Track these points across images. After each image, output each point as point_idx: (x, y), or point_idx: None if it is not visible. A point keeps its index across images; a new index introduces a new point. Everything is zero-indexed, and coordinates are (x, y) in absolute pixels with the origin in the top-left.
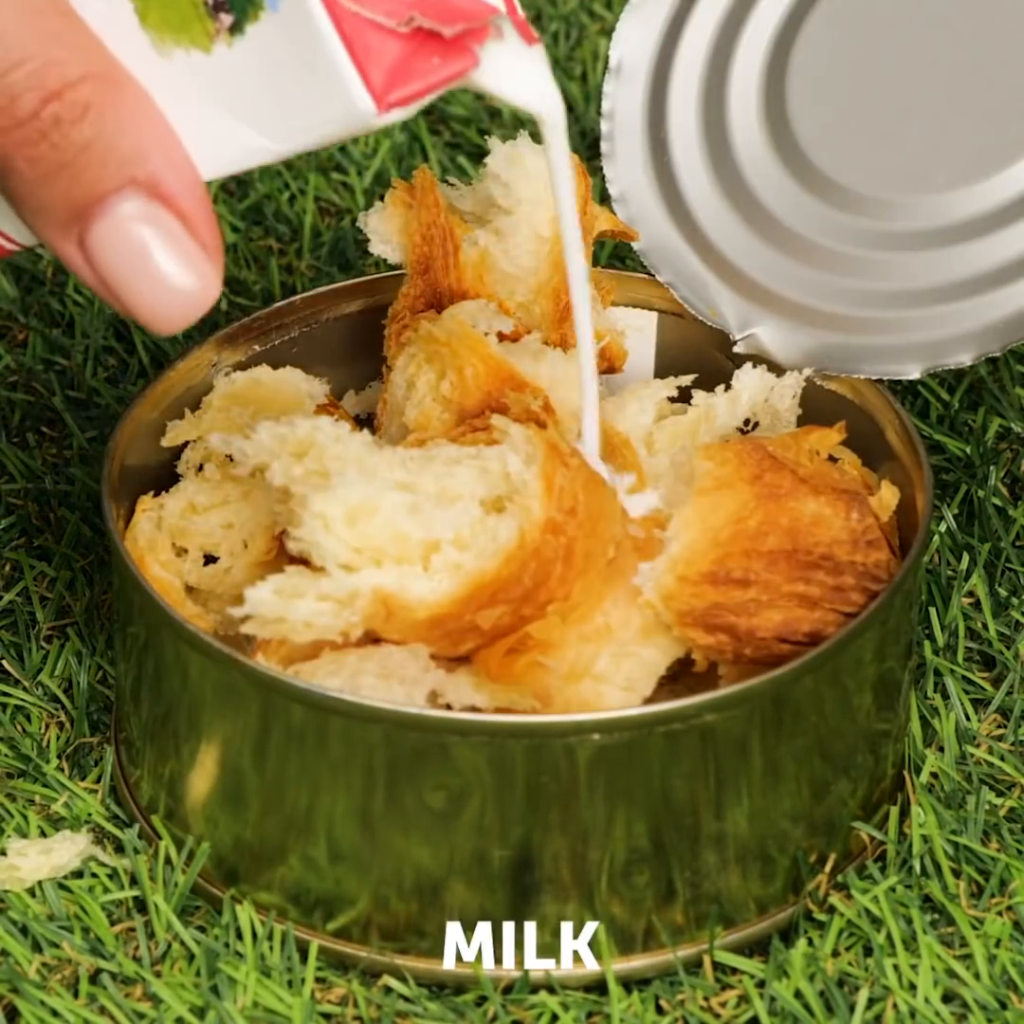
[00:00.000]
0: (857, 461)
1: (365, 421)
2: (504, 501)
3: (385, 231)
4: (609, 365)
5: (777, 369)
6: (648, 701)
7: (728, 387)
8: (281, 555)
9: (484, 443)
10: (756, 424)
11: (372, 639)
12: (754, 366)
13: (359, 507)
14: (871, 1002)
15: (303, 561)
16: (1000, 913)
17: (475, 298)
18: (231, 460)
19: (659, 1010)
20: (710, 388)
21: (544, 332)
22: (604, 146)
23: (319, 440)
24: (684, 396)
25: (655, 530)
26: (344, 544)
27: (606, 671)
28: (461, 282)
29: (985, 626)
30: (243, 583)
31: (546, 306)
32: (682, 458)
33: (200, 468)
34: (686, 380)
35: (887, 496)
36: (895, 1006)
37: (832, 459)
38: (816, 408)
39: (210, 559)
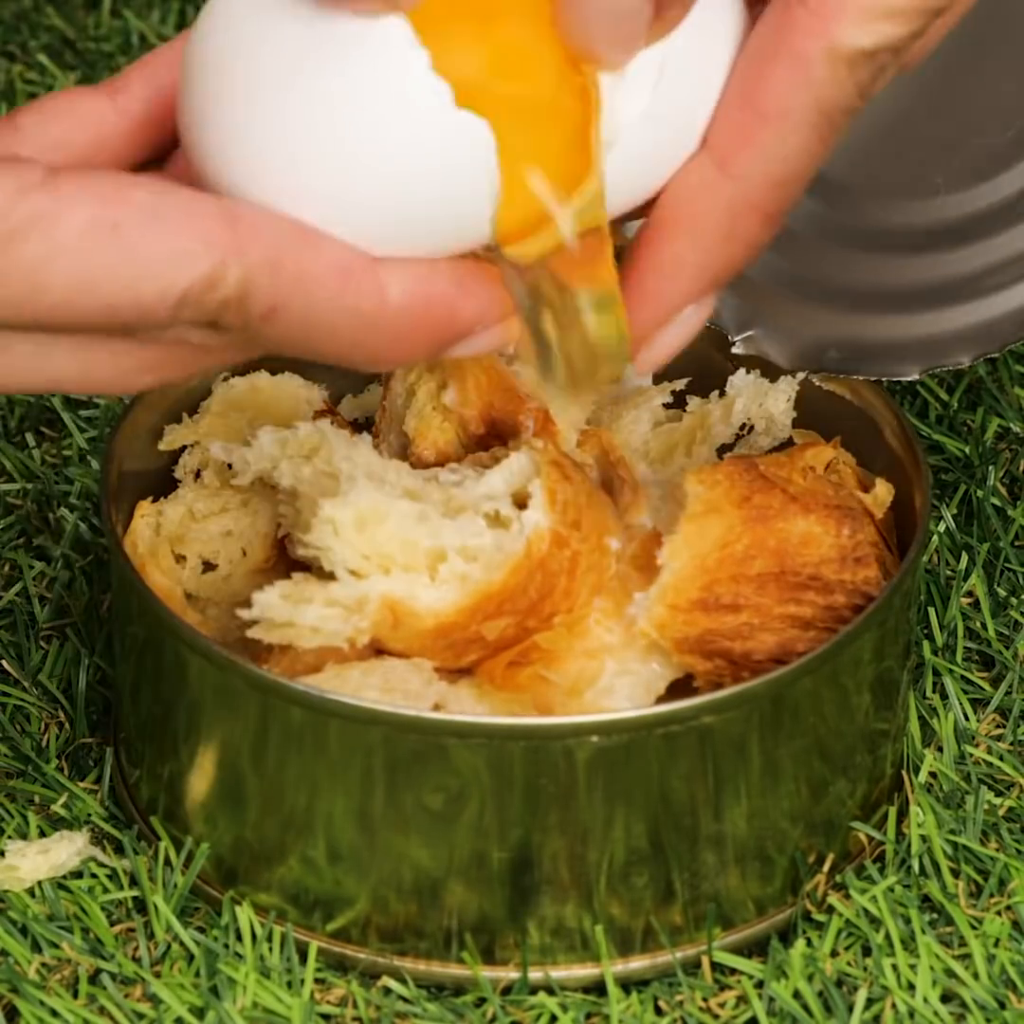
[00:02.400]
0: (852, 460)
1: (364, 426)
2: (510, 514)
3: None
4: None
5: (771, 374)
6: None
7: (722, 393)
8: (280, 563)
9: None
10: (751, 428)
11: (375, 651)
12: (748, 371)
13: (369, 513)
14: (870, 1002)
15: (306, 567)
16: (999, 913)
17: None
18: (231, 467)
19: (658, 1011)
20: (709, 390)
21: None
22: None
23: (327, 441)
24: (680, 399)
25: (657, 551)
26: (354, 550)
27: (607, 687)
28: None
29: (984, 626)
30: (242, 591)
31: None
32: (675, 481)
33: (197, 474)
34: (680, 385)
35: (882, 493)
36: (894, 1006)
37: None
38: (814, 409)
39: (209, 566)
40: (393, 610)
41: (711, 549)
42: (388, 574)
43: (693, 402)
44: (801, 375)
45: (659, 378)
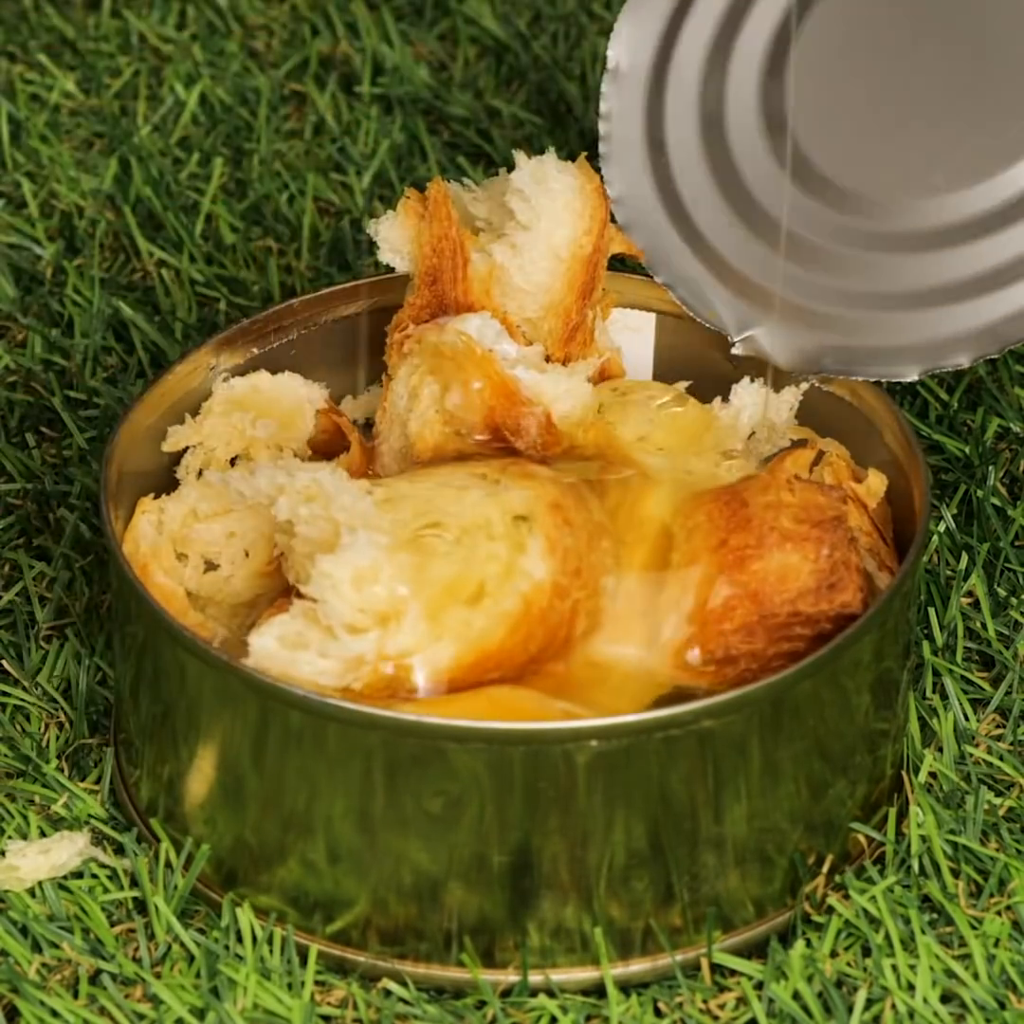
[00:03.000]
0: (845, 453)
1: (364, 427)
2: (508, 568)
3: (396, 240)
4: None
5: (775, 384)
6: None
7: (725, 397)
8: (282, 566)
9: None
10: (752, 433)
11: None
12: (753, 379)
13: (366, 571)
14: (869, 1003)
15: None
16: (999, 913)
17: (480, 311)
18: (233, 463)
19: (658, 1013)
20: (709, 390)
21: (549, 349)
22: (602, 147)
23: (325, 491)
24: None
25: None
26: (351, 606)
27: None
28: (468, 295)
29: (984, 626)
30: (243, 592)
31: (554, 324)
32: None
33: (199, 473)
34: (680, 387)
35: (875, 483)
36: (893, 1007)
37: (819, 455)
38: (814, 410)
39: (210, 566)
40: (388, 665)
41: (695, 606)
42: (385, 629)
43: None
44: (805, 385)
45: (662, 374)
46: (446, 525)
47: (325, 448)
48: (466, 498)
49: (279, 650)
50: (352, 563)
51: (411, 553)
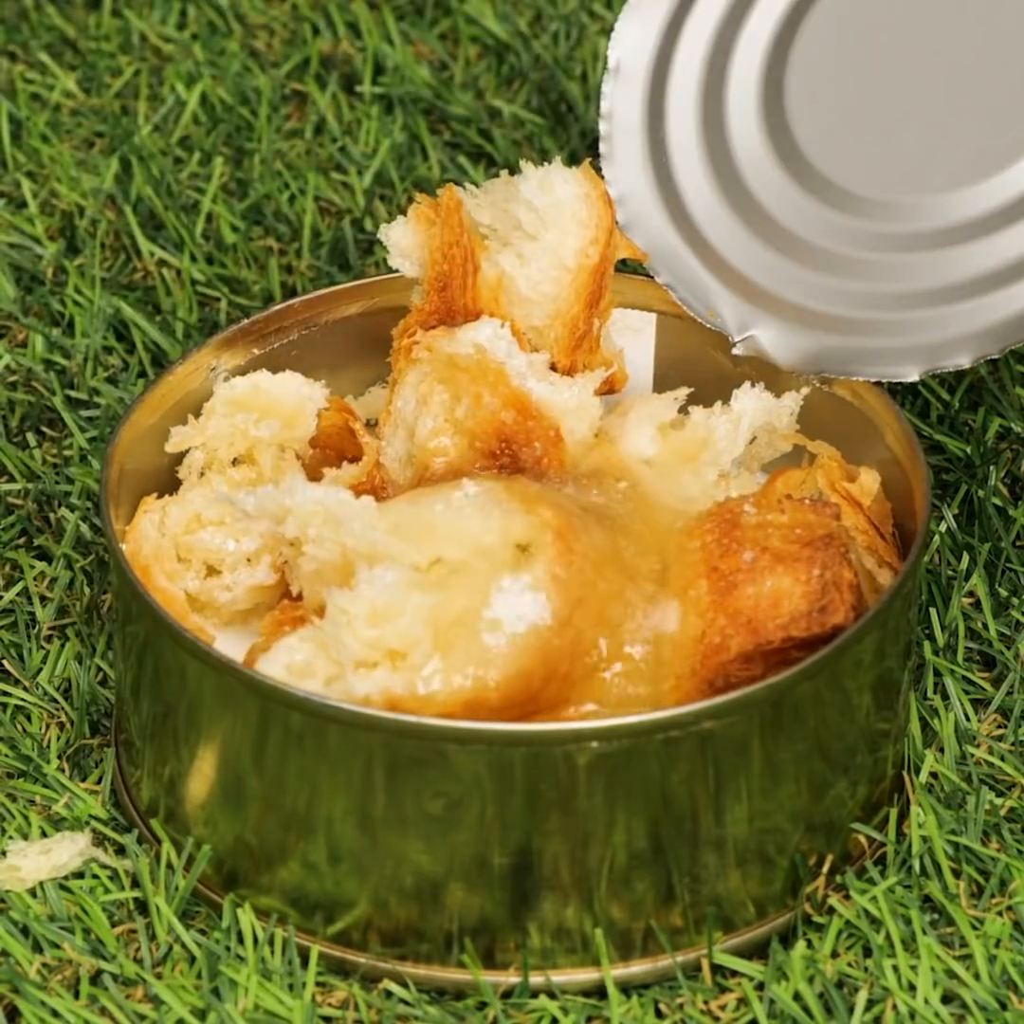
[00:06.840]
0: (836, 454)
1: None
2: (509, 599)
3: (406, 246)
4: (609, 388)
5: (776, 389)
6: None
7: (726, 399)
8: (285, 576)
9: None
10: (753, 438)
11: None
12: (753, 384)
13: (383, 609)
14: (870, 1003)
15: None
16: (1000, 913)
17: (489, 318)
18: (235, 463)
19: (658, 1014)
20: (710, 391)
21: (555, 356)
22: (603, 147)
23: (334, 517)
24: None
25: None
26: (362, 643)
27: None
28: (477, 302)
29: (985, 626)
30: (243, 599)
31: (561, 333)
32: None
33: (201, 474)
34: (683, 394)
35: (868, 481)
36: (894, 1007)
37: (812, 456)
38: (815, 410)
39: (212, 570)
40: (394, 703)
41: (692, 642)
42: (394, 667)
43: (697, 414)
44: (805, 389)
45: (662, 386)
46: (449, 556)
47: (328, 444)
48: (469, 526)
49: (287, 679)
50: (369, 600)
51: (419, 589)
